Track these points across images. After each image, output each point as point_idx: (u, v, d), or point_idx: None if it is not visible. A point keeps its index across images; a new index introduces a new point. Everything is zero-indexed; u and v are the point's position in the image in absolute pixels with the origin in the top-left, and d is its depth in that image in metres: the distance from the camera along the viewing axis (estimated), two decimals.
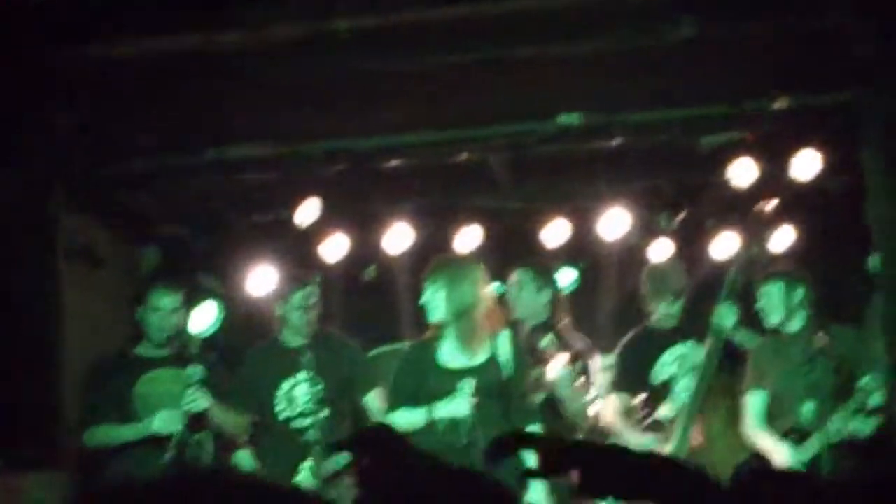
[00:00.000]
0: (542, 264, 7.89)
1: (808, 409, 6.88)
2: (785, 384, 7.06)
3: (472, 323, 6.64)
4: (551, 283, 7.76)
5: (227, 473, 1.17)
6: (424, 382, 6.63)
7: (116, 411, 6.93)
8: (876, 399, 6.67)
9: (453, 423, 6.46)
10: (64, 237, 7.31)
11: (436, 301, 6.67)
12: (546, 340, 7.13)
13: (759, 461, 6.88)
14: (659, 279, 7.76)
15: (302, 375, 7.13)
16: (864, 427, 6.73)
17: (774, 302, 7.16)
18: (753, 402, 7.19)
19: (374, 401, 7.19)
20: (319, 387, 7.11)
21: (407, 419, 6.60)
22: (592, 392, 7.33)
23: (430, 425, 6.52)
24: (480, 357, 6.65)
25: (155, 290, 7.09)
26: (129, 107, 7.07)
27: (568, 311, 7.97)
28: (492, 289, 7.08)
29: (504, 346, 6.66)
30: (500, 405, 6.57)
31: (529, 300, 7.63)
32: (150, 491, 1.18)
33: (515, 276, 7.68)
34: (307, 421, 7.10)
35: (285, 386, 7.21)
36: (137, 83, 6.70)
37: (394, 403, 6.78)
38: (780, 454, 6.85)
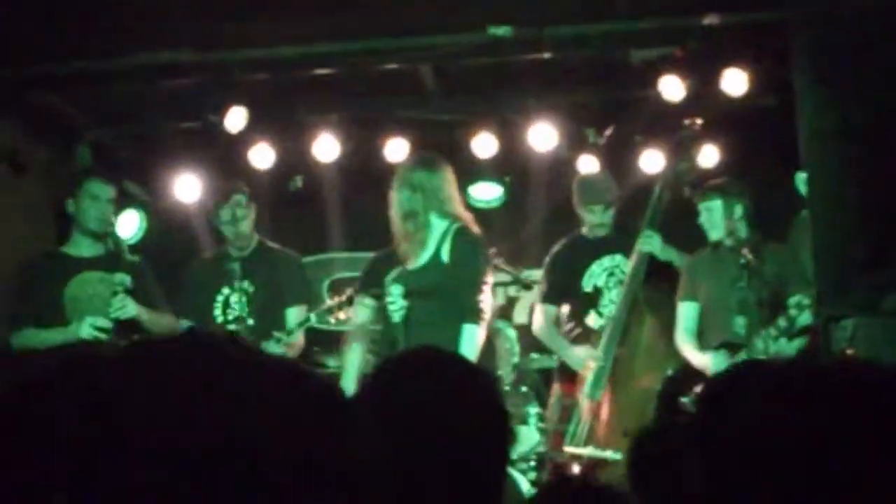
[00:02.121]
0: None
1: (739, 323, 6.96)
2: (718, 297, 7.14)
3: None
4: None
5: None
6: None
7: (46, 312, 6.88)
8: (804, 319, 6.74)
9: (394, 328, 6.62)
10: None
11: (396, 199, 6.73)
12: None
13: (684, 375, 6.96)
14: (589, 189, 7.78)
15: (237, 284, 7.17)
16: (788, 348, 6.81)
17: (715, 218, 7.20)
18: (684, 313, 7.28)
19: (294, 315, 7.23)
20: (252, 295, 7.18)
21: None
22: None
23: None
24: (423, 258, 6.70)
25: (90, 179, 7.05)
26: (53, 7, 6.94)
27: (493, 227, 7.98)
28: None
29: (447, 246, 6.69)
30: (439, 304, 6.62)
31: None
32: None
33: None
34: (240, 327, 7.15)
35: (223, 293, 7.25)
36: None
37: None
38: (705, 363, 6.93)
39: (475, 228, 6.80)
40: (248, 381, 1.11)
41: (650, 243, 7.49)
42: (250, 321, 7.18)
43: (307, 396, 1.14)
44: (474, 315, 6.60)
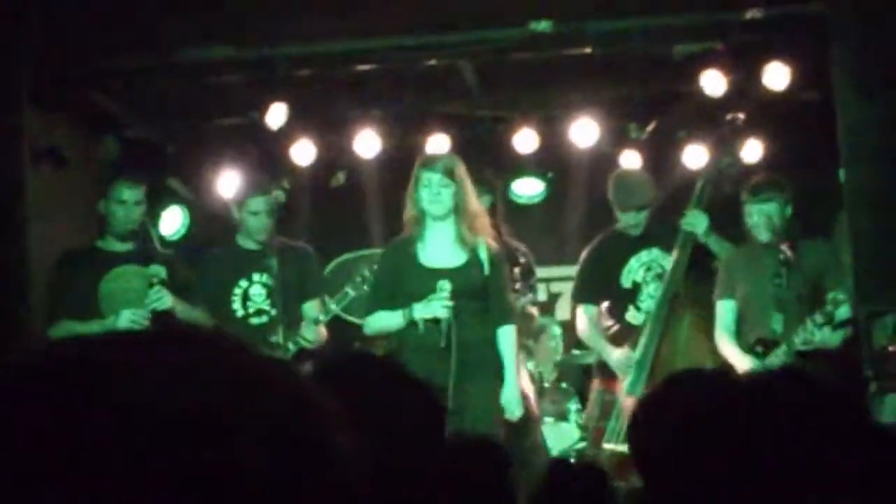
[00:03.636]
0: (480, 172, 7.78)
1: (776, 319, 6.91)
2: (755, 294, 7.08)
3: (468, 219, 6.60)
4: (490, 190, 7.64)
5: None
6: (403, 281, 6.60)
7: (82, 305, 6.94)
8: (843, 312, 6.69)
9: (433, 324, 6.44)
10: (30, 136, 7.26)
11: (443, 194, 6.58)
12: None
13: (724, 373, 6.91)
14: (624, 190, 7.71)
15: (256, 276, 7.15)
16: (832, 339, 6.76)
17: (770, 222, 7.06)
18: (722, 311, 7.22)
19: (311, 309, 7.19)
20: (271, 288, 7.14)
21: (386, 321, 6.61)
22: (527, 293, 7.34)
23: (411, 326, 6.49)
24: (461, 257, 6.61)
25: (118, 182, 7.09)
26: (97, 5, 7.00)
27: (534, 222, 7.96)
28: None
29: (483, 247, 6.64)
30: (479, 304, 6.57)
31: None
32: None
33: None
34: (263, 319, 7.13)
35: (241, 286, 7.23)
36: None
37: (373, 305, 6.74)
38: (744, 364, 6.89)
39: None
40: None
41: (695, 222, 7.38)
42: (273, 312, 7.15)
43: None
44: (512, 315, 6.62)
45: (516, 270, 7.10)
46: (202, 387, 1.06)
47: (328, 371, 2.49)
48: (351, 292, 6.93)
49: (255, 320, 7.18)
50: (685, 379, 1.89)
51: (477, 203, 6.70)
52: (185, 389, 1.06)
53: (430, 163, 6.65)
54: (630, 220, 7.56)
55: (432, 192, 6.52)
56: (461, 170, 6.62)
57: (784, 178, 7.26)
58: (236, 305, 7.25)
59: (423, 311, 6.43)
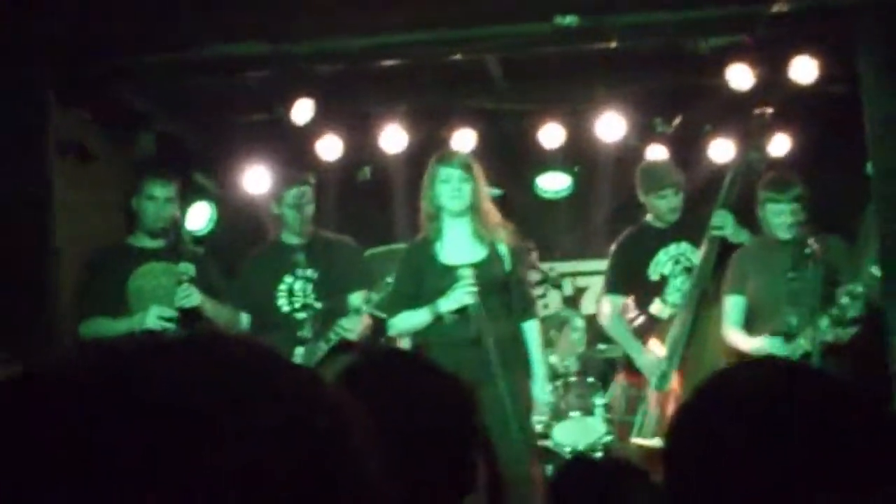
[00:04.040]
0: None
1: (790, 314, 6.89)
2: (768, 289, 7.05)
3: (483, 215, 6.60)
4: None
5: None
6: (424, 281, 6.60)
7: (111, 302, 6.98)
8: (853, 311, 6.66)
9: (460, 316, 6.42)
10: (56, 132, 7.30)
11: (463, 190, 6.57)
12: None
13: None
14: (656, 174, 7.70)
15: (300, 272, 7.15)
16: (843, 335, 6.74)
17: (786, 222, 7.03)
18: (732, 306, 7.19)
19: (355, 300, 7.17)
20: (316, 282, 7.16)
21: (411, 320, 6.61)
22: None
23: (437, 321, 6.49)
24: (481, 253, 6.61)
25: (149, 179, 7.12)
26: (123, 1, 7.02)
27: (560, 217, 7.96)
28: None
29: (501, 241, 6.64)
30: (502, 299, 6.57)
31: None
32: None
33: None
34: (308, 313, 7.13)
35: (286, 282, 7.23)
36: None
37: (395, 306, 6.73)
38: (759, 346, 6.85)
39: None
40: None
41: (723, 223, 7.36)
42: (318, 305, 7.16)
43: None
44: (536, 309, 6.65)
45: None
46: (218, 391, 1.07)
47: (357, 370, 2.48)
48: (375, 296, 6.91)
49: (300, 315, 7.17)
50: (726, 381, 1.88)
51: (489, 201, 6.72)
52: (200, 393, 1.06)
53: (449, 158, 6.66)
54: (667, 204, 7.51)
55: (453, 188, 6.53)
56: (477, 167, 6.64)
57: (797, 178, 7.21)
58: (281, 301, 7.24)
59: (449, 302, 6.41)
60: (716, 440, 1.71)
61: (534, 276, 7.77)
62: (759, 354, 6.68)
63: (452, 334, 6.41)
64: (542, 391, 6.57)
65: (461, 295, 6.37)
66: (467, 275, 6.36)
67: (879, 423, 1.72)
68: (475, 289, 6.34)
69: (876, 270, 6.41)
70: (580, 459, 5.38)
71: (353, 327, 6.94)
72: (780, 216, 7.02)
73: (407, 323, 6.63)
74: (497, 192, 7.49)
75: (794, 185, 7.06)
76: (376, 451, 1.15)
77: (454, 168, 6.53)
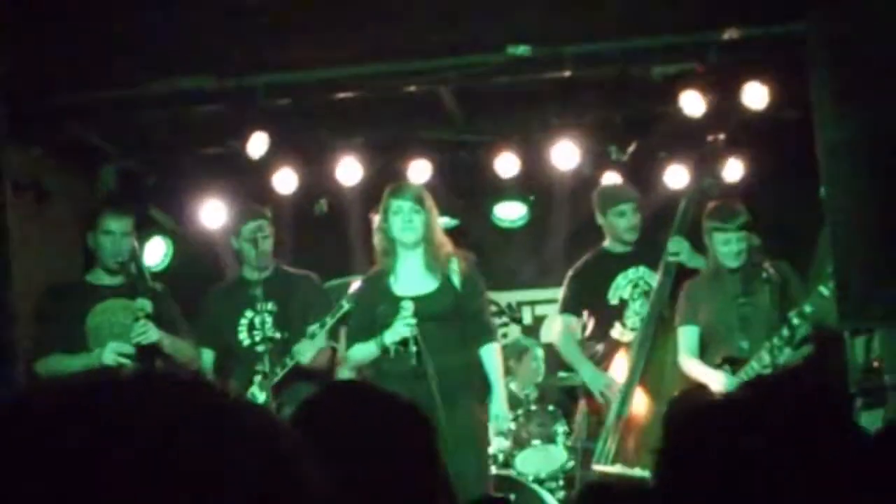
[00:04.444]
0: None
1: (742, 339, 6.96)
2: (719, 317, 7.12)
3: (436, 247, 6.64)
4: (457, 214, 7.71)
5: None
6: (378, 313, 6.64)
7: (68, 340, 6.93)
8: (801, 331, 6.75)
9: (404, 349, 6.48)
10: (11, 170, 7.25)
11: (415, 221, 6.61)
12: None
13: (697, 392, 6.93)
14: (610, 192, 7.80)
15: (260, 306, 7.14)
16: (794, 357, 6.81)
17: (732, 250, 7.08)
18: (685, 337, 7.24)
19: (312, 326, 7.19)
20: (276, 315, 7.16)
21: (362, 353, 6.71)
22: None
23: (385, 353, 6.56)
24: (432, 284, 6.65)
25: (105, 214, 7.08)
26: (73, 38, 7.00)
27: (516, 246, 7.98)
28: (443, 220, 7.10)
29: (455, 271, 6.68)
30: (454, 329, 6.60)
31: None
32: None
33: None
34: (268, 345, 7.13)
35: (246, 316, 7.23)
36: (81, 13, 6.62)
37: (351, 339, 6.83)
38: (715, 381, 6.91)
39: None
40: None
41: (678, 249, 7.43)
42: (277, 335, 7.16)
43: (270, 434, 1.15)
44: (495, 334, 6.67)
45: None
46: (180, 437, 1.07)
47: (316, 401, 2.49)
48: (346, 304, 6.92)
49: (259, 347, 7.17)
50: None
51: (441, 233, 6.76)
52: (138, 431, 1.07)
53: (400, 191, 6.70)
54: (626, 223, 7.58)
55: (404, 220, 6.59)
56: (429, 199, 6.68)
57: (742, 208, 7.24)
58: (243, 335, 7.26)
59: (391, 335, 6.51)
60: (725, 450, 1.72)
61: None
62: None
63: (397, 366, 6.50)
64: (500, 409, 6.60)
65: (401, 327, 6.48)
66: (407, 307, 6.48)
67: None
68: (413, 321, 6.44)
69: (825, 290, 6.48)
70: (594, 485, 5.36)
71: (306, 351, 6.95)
72: (727, 245, 7.07)
73: (359, 355, 6.72)
74: (453, 222, 7.54)
75: (739, 213, 7.12)
76: (323, 479, 1.16)
77: (405, 200, 6.59)
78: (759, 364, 6.78)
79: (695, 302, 7.23)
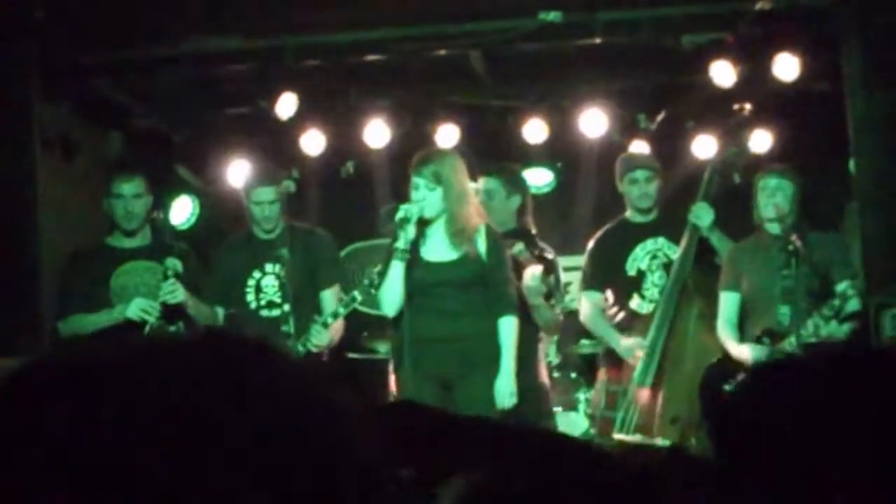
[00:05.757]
0: (511, 171, 7.73)
1: (783, 311, 6.89)
2: (761, 286, 7.04)
3: (458, 219, 6.60)
4: (520, 189, 7.61)
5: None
6: (408, 277, 6.61)
7: (92, 302, 6.95)
8: (852, 305, 6.67)
9: (436, 315, 6.50)
10: (40, 125, 7.27)
11: (428, 199, 6.58)
12: (517, 248, 7.06)
13: (727, 364, 6.90)
14: (627, 158, 7.75)
15: (269, 267, 7.12)
16: (839, 331, 6.74)
17: (781, 196, 7.00)
18: (725, 303, 7.19)
19: (329, 298, 7.16)
20: (284, 279, 7.10)
21: (390, 275, 6.57)
22: (562, 299, 7.28)
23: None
24: (455, 253, 6.63)
25: (116, 177, 7.09)
26: None
27: (543, 213, 7.94)
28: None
29: (481, 239, 6.66)
30: (479, 296, 6.60)
31: (499, 207, 7.47)
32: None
33: (483, 184, 7.49)
34: (275, 312, 7.11)
35: (254, 277, 7.20)
36: None
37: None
38: (744, 354, 6.88)
39: None
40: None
41: (701, 215, 7.37)
42: (285, 307, 7.10)
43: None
44: (513, 307, 6.61)
45: (551, 278, 7.04)
46: (220, 389, 1.08)
47: None
48: (358, 296, 6.90)
49: (265, 312, 7.15)
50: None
51: (468, 204, 6.68)
52: (204, 391, 1.07)
53: (417, 167, 6.62)
54: (638, 190, 7.52)
55: (419, 197, 6.56)
56: (454, 170, 6.60)
57: (795, 170, 7.22)
58: (250, 297, 7.21)
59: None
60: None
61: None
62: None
63: (427, 332, 6.45)
64: (505, 385, 6.53)
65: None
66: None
67: None
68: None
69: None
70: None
71: (320, 342, 6.93)
72: (762, 193, 7.01)
73: (388, 283, 6.57)
74: (517, 198, 7.45)
75: (781, 170, 7.09)
76: (375, 443, 1.16)
77: (420, 178, 6.53)
78: (806, 334, 6.71)
79: (738, 268, 7.17)
